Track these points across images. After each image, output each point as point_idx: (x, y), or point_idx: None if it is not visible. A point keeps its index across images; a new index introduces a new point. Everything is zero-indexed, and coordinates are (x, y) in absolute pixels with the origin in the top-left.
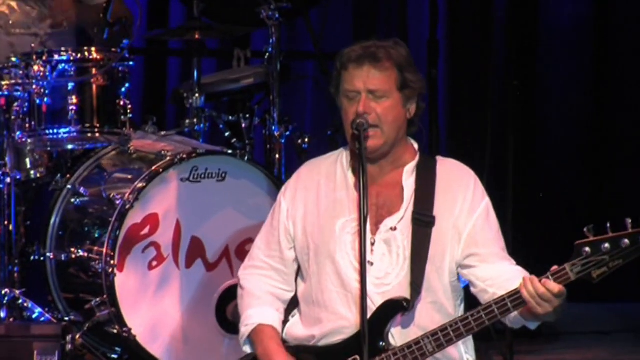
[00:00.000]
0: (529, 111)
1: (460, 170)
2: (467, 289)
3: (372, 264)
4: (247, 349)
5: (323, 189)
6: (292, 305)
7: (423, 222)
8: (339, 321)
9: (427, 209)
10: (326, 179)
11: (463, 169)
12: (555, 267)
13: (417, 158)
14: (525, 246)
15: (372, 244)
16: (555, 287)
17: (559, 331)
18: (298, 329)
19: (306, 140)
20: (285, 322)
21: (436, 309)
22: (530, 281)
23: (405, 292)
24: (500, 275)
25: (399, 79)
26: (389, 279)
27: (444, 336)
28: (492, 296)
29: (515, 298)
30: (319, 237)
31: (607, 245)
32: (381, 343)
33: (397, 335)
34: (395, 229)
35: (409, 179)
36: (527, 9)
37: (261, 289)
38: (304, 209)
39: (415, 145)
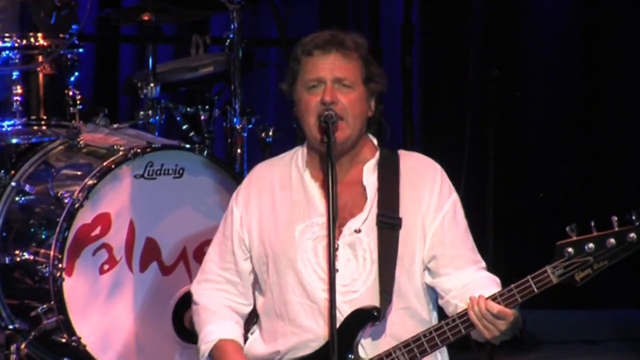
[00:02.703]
0: (510, 102)
1: (424, 164)
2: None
3: (337, 270)
4: None
5: (278, 193)
6: (250, 321)
7: (389, 225)
8: (304, 334)
9: (393, 210)
10: (280, 181)
11: (427, 163)
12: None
13: (377, 154)
14: (506, 247)
15: (336, 249)
16: (495, 307)
17: (544, 340)
18: (259, 347)
19: (270, 133)
20: (244, 340)
21: (409, 314)
22: (476, 301)
23: (374, 299)
24: (464, 285)
25: (364, 71)
26: (356, 285)
27: (417, 347)
28: (455, 309)
29: (464, 320)
30: (277, 244)
31: (591, 245)
32: (350, 356)
33: (368, 347)
34: (359, 231)
35: (370, 177)
36: None
37: (217, 302)
38: (258, 215)
39: (374, 141)
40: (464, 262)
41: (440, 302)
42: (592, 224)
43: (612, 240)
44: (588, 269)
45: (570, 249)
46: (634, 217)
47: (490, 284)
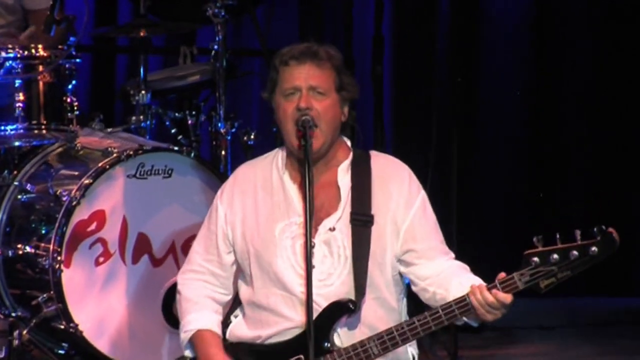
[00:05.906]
0: (472, 108)
1: (394, 165)
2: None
3: (313, 266)
4: (188, 354)
5: (260, 193)
6: (233, 305)
7: (362, 222)
8: (285, 323)
9: (365, 208)
10: (262, 182)
11: (397, 164)
12: (502, 275)
13: (350, 155)
14: (468, 244)
15: (312, 247)
16: (507, 297)
17: (504, 326)
18: (243, 330)
19: (252, 136)
20: (227, 322)
21: (379, 303)
22: (479, 290)
23: (348, 292)
24: (438, 273)
25: (337, 80)
26: (331, 279)
27: (389, 339)
28: (433, 295)
29: (462, 305)
30: (259, 242)
31: (556, 256)
32: (326, 344)
33: (343, 335)
34: (334, 229)
35: (344, 178)
36: (471, 6)
37: (199, 293)
38: (242, 214)
39: (348, 143)
40: (436, 252)
41: (414, 289)
42: (558, 236)
43: (575, 253)
44: (552, 278)
45: (536, 259)
46: (596, 231)
47: (463, 271)
